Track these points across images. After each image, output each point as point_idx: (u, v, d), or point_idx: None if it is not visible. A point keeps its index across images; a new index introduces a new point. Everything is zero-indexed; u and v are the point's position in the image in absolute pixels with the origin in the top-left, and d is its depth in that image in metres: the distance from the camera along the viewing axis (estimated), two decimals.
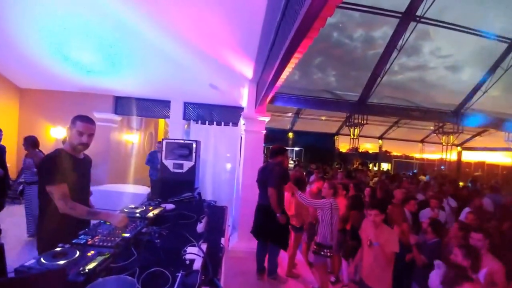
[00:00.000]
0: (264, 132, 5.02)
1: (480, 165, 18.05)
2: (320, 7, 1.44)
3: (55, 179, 1.86)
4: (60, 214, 1.86)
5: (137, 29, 4.31)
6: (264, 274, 3.99)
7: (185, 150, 4.39)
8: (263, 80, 4.09)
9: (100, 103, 6.67)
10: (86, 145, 2.06)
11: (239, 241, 4.81)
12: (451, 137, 15.38)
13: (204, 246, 1.85)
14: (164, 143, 4.40)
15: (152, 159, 6.49)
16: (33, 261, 1.34)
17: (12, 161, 6.33)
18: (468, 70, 11.58)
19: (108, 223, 1.95)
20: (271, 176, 3.66)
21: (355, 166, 15.47)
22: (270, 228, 3.79)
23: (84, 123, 2.00)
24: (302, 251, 4.96)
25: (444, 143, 16.11)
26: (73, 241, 1.64)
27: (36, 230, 2.05)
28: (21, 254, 3.92)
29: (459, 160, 17.65)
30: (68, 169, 1.94)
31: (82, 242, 1.64)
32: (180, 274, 1.45)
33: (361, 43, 11.98)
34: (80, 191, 2.08)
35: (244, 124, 5.05)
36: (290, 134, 18.00)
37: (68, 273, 1.26)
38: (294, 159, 17.62)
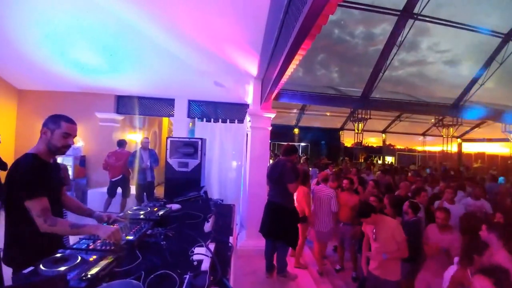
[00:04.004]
0: (270, 128, 4.99)
1: (480, 156, 18.46)
2: (322, 5, 1.49)
3: (35, 193, 1.64)
4: (34, 231, 1.64)
5: (138, 26, 4.25)
6: (273, 272, 3.96)
7: (190, 148, 4.33)
8: (268, 77, 4.07)
9: (101, 102, 6.60)
10: (69, 148, 1.91)
11: (247, 240, 4.76)
12: (451, 129, 15.94)
13: (212, 246, 1.80)
14: (168, 141, 4.34)
15: (134, 159, 5.73)
16: (31, 268, 1.29)
17: (9, 164, 6.30)
18: (466, 64, 11.69)
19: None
20: (286, 172, 3.66)
21: (360, 160, 15.64)
22: (280, 226, 3.76)
23: (70, 124, 1.84)
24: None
25: (444, 136, 16.67)
26: (74, 246, 1.58)
27: (6, 250, 1.76)
28: None
29: (459, 152, 18.24)
30: (45, 178, 1.74)
31: (83, 247, 1.58)
32: (187, 276, 1.39)
33: (362, 40, 12.03)
34: (55, 201, 1.85)
35: (250, 121, 5.01)
36: (296, 130, 18.01)
37: (69, 280, 1.21)
38: (300, 154, 17.60)
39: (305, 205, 4.28)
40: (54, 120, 1.80)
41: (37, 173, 1.69)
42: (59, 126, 1.79)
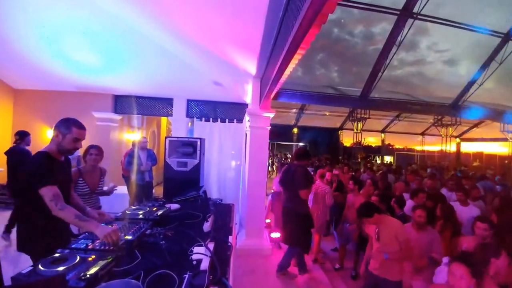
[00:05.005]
0: (269, 128, 4.98)
1: (479, 155, 18.60)
2: (321, 4, 1.47)
3: (48, 181, 1.84)
4: (46, 220, 1.85)
5: (136, 25, 4.23)
6: (301, 271, 4.01)
7: (189, 148, 4.31)
8: (267, 76, 4.05)
9: (99, 102, 6.57)
10: (77, 150, 2.12)
11: (246, 239, 4.75)
12: (450, 129, 16.03)
13: (211, 246, 1.80)
14: (167, 141, 4.31)
15: (131, 160, 5.61)
16: (30, 268, 1.28)
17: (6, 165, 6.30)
18: (465, 63, 11.71)
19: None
20: (298, 179, 3.70)
21: (358, 159, 15.71)
22: (293, 231, 3.83)
23: (81, 130, 2.06)
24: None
25: (443, 135, 16.71)
26: (73, 246, 1.58)
27: (26, 242, 1.96)
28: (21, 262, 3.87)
29: (458, 151, 18.40)
30: (55, 172, 1.94)
31: (82, 247, 1.57)
32: (187, 275, 1.40)
33: (361, 39, 12.00)
34: (65, 193, 2.02)
35: (249, 120, 5.00)
36: (295, 130, 18.04)
37: (68, 279, 1.21)
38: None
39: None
40: (66, 125, 2.01)
41: (48, 166, 1.90)
42: (71, 131, 2.00)
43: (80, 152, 3.18)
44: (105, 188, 3.31)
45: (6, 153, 4.73)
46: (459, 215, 3.74)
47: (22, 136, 4.74)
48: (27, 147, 4.77)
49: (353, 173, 7.23)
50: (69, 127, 1.99)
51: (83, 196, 3.05)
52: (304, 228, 3.83)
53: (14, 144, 4.80)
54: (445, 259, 2.85)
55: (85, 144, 2.40)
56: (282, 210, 4.08)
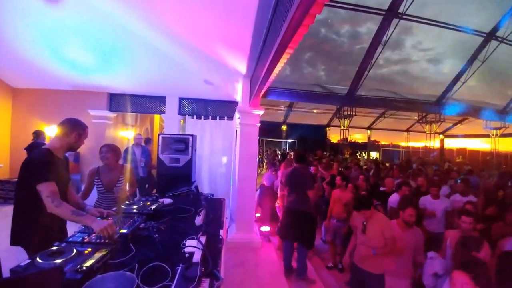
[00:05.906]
0: (259, 125, 5.04)
1: (462, 151, 19.18)
2: (309, 5, 1.51)
3: (47, 177, 1.89)
4: (41, 217, 1.88)
5: (130, 25, 4.22)
6: (292, 273, 4.01)
7: (181, 144, 4.35)
8: (256, 75, 4.09)
9: (94, 100, 6.58)
10: None
11: (237, 232, 4.83)
12: (434, 125, 16.15)
13: (203, 239, 1.85)
14: (160, 138, 4.34)
15: (126, 156, 5.73)
16: (28, 261, 1.31)
17: (5, 161, 6.25)
18: (448, 62, 11.94)
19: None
20: (306, 180, 4.00)
21: (345, 155, 15.98)
22: (300, 230, 3.95)
23: (87, 129, 2.30)
24: None
25: (427, 132, 16.89)
26: (69, 239, 1.61)
27: (23, 235, 1.98)
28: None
29: (442, 147, 18.86)
30: (56, 169, 2.01)
31: (78, 240, 1.61)
32: (180, 268, 1.44)
33: (347, 39, 12.06)
34: (62, 190, 2.09)
35: (239, 118, 5.04)
36: (284, 127, 18.20)
37: (65, 272, 1.24)
38: (288, 150, 17.82)
39: None
40: (82, 127, 2.25)
41: (49, 162, 1.97)
42: (84, 132, 2.26)
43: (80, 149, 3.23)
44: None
45: (26, 148, 5.18)
46: (432, 208, 4.06)
47: (38, 134, 5.62)
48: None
49: (344, 169, 7.36)
50: (84, 128, 2.26)
51: (99, 194, 3.10)
52: (310, 226, 4.00)
53: (32, 141, 5.46)
54: (429, 254, 2.98)
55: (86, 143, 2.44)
56: (286, 211, 4.15)
